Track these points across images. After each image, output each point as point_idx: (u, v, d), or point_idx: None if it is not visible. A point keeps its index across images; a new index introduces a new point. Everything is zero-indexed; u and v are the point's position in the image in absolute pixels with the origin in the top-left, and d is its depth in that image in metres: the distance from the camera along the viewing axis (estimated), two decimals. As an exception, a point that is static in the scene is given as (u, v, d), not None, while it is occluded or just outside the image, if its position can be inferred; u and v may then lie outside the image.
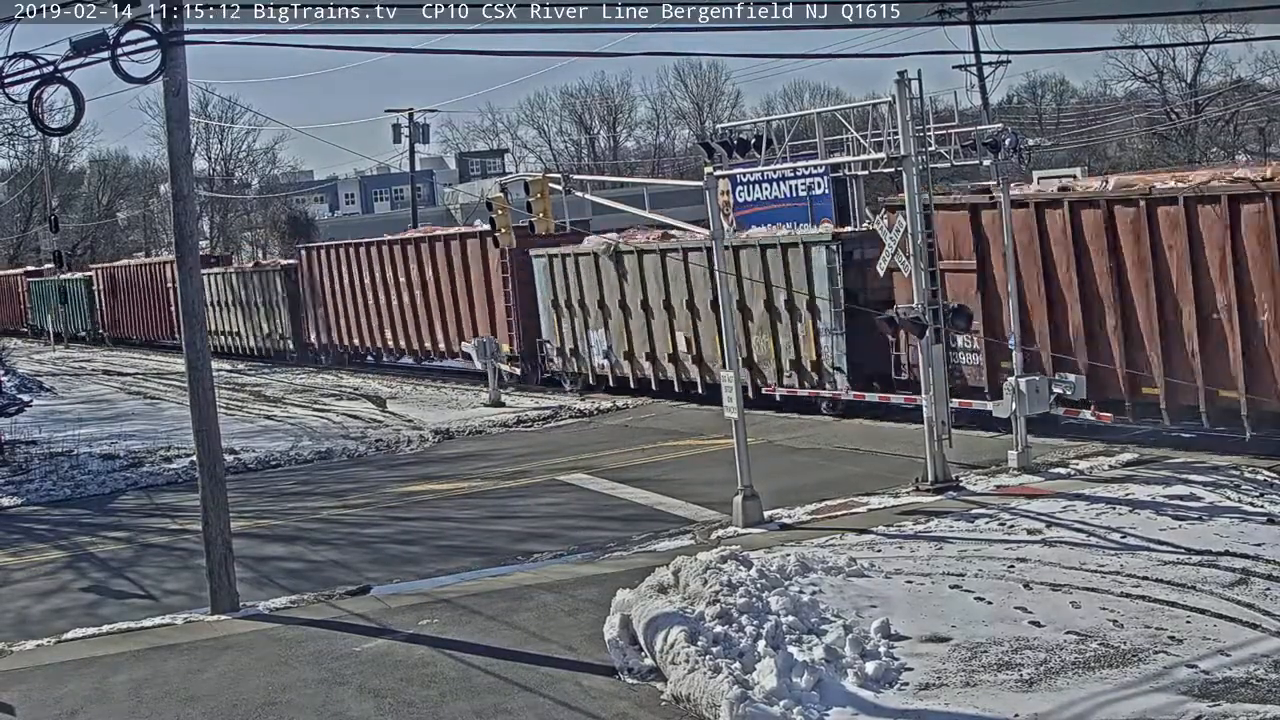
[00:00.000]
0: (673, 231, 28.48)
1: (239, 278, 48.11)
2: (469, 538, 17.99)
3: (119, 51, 13.80)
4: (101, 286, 60.72)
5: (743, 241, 25.92)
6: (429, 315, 36.38)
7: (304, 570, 16.97)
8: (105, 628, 14.58)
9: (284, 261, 47.25)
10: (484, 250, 33.19)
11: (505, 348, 32.38)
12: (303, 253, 43.94)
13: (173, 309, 50.37)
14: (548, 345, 31.63)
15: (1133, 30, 50.56)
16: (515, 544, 17.33)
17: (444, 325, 35.79)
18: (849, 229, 25.89)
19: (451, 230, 32.41)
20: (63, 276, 65.13)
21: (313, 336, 43.11)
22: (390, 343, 38.96)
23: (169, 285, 51.04)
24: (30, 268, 74.78)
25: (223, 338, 48.52)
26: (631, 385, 29.36)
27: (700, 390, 27.20)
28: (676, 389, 27.84)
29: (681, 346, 27.65)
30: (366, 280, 39.23)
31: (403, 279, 37.26)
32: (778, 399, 25.18)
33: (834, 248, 24.29)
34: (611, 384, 29.93)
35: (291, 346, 44.56)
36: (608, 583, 13.83)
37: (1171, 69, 62.19)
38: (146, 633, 14.29)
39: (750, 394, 24.36)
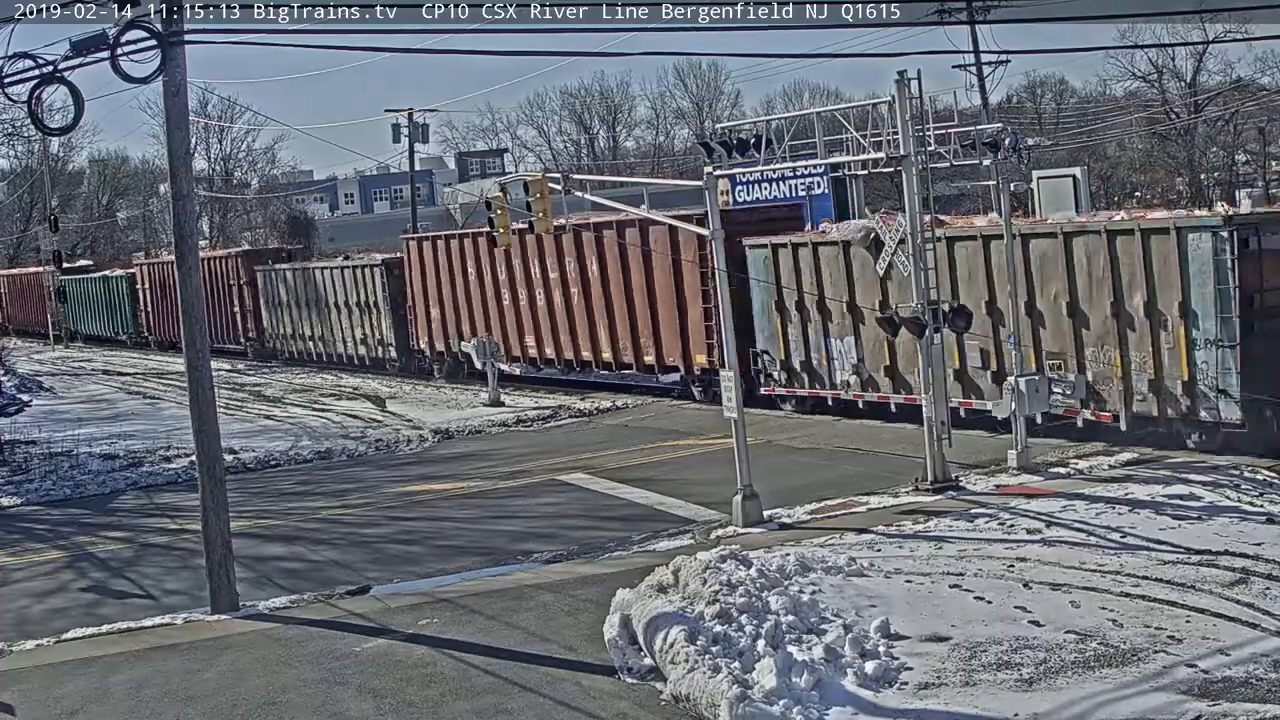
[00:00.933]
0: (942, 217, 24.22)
1: (325, 275, 41.80)
2: (469, 538, 17.99)
3: (119, 51, 13.81)
4: (147, 285, 54.99)
5: (1079, 227, 20.63)
6: (589, 319, 30.28)
7: (304, 570, 16.98)
8: (105, 628, 14.59)
9: (383, 255, 41.17)
10: (673, 240, 27.06)
11: (699, 359, 27.28)
12: (410, 244, 37.34)
13: (236, 310, 47.02)
14: (765, 357, 25.96)
15: (1132, 30, 50.62)
16: (515, 544, 17.33)
17: (612, 331, 29.72)
18: (1245, 210, 20.45)
19: (628, 214, 25.13)
20: (101, 274, 61.26)
21: (423, 342, 36.91)
22: (533, 352, 32.70)
23: (232, 282, 47.27)
24: (64, 265, 69.60)
25: (299, 342, 43.55)
26: (892, 409, 23.32)
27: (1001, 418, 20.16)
28: (964, 415, 21.12)
29: (974, 361, 21.67)
30: (501, 276, 33.00)
31: (554, 275, 31.11)
32: (1122, 428, 19.72)
33: (1223, 234, 18.43)
34: (862, 406, 23.88)
35: (394, 354, 38.28)
36: (608, 583, 13.83)
37: (1171, 69, 62.18)
38: (146, 633, 14.30)
39: (1090, 415, 20.05)
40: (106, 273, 61.51)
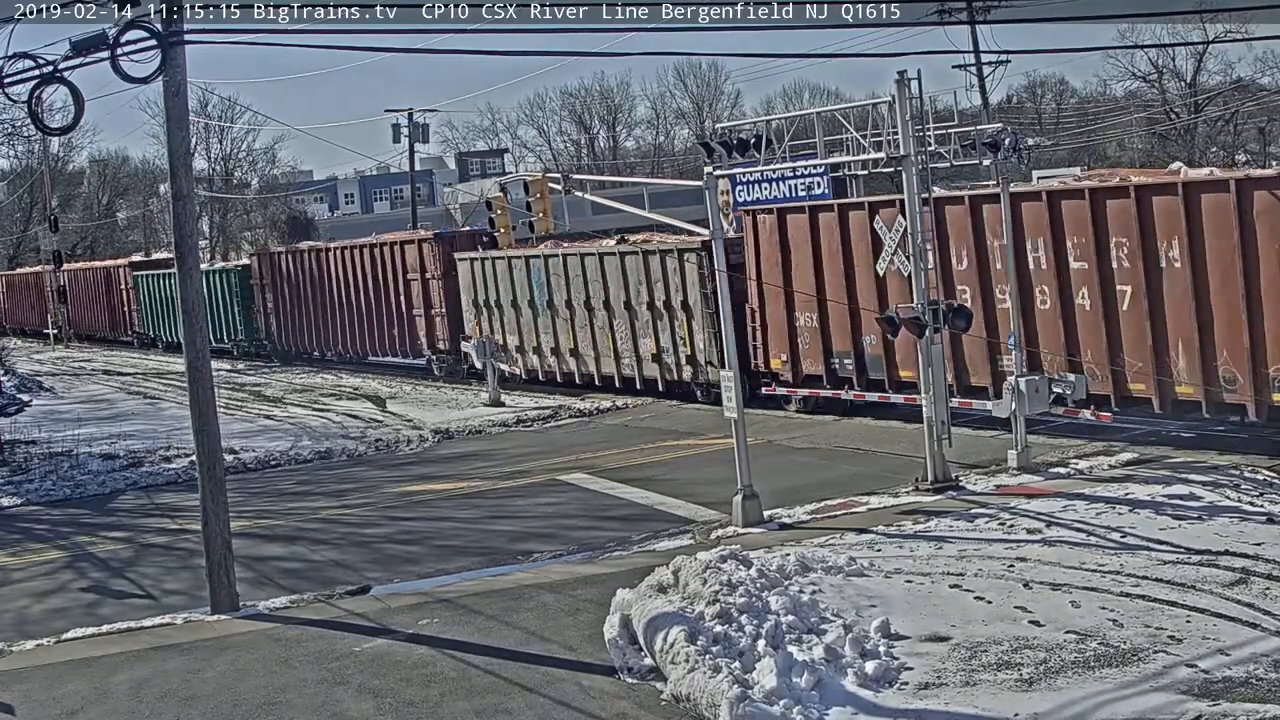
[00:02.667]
0: None
1: (590, 264, 29.69)
2: (469, 538, 18.00)
3: (119, 51, 13.81)
4: (269, 279, 44.43)
5: None
6: (1156, 327, 19.19)
7: (304, 570, 16.98)
8: (105, 628, 14.58)
9: (694, 234, 27.54)
10: None
11: None
12: (760, 220, 25.28)
13: (418, 311, 36.52)
14: None
15: (1132, 30, 50.75)
16: (515, 544, 17.34)
17: (1206, 350, 18.66)
18: None
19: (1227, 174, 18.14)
20: (205, 268, 50.11)
21: (776, 361, 25.46)
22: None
23: (413, 276, 36.55)
24: (137, 257, 60.92)
25: (527, 356, 32.24)
26: None
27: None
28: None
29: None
30: (959, 265, 21.93)
31: (1079, 265, 20.17)
32: None
33: None
34: None
35: (712, 378, 25.93)
36: (608, 583, 13.83)
37: (1171, 69, 62.26)
38: (146, 633, 14.29)
39: None
40: (206, 266, 49.65)
